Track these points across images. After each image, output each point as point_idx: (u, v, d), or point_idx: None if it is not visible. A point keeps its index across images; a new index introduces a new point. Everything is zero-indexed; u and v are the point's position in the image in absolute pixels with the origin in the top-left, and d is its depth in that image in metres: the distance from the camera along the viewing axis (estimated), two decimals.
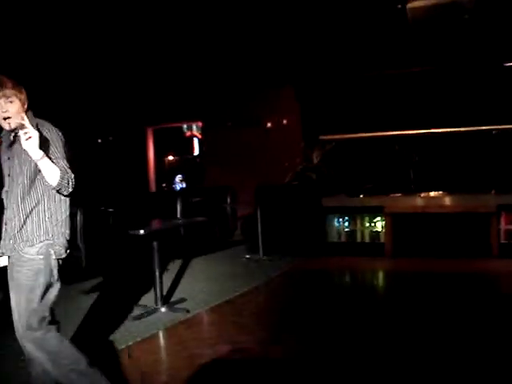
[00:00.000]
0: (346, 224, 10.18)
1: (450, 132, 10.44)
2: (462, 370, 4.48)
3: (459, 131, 10.37)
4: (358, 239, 10.10)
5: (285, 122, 11.30)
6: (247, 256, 9.77)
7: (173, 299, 7.08)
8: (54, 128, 3.51)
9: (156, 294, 6.60)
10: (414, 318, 6.00)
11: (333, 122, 10.96)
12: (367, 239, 10.06)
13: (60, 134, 3.53)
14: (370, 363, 4.71)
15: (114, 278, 8.73)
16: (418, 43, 10.34)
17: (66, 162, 3.41)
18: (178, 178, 13.55)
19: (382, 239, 9.88)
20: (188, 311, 6.46)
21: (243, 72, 11.56)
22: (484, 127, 10.36)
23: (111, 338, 5.60)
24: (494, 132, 10.38)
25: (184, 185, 13.50)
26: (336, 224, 10.22)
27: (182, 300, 6.99)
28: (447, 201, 9.69)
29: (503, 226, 9.45)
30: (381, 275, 9.13)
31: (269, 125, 11.44)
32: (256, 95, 11.73)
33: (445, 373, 4.43)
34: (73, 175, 3.38)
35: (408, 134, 10.61)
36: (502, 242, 9.43)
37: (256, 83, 11.57)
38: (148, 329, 5.85)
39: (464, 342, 5.15)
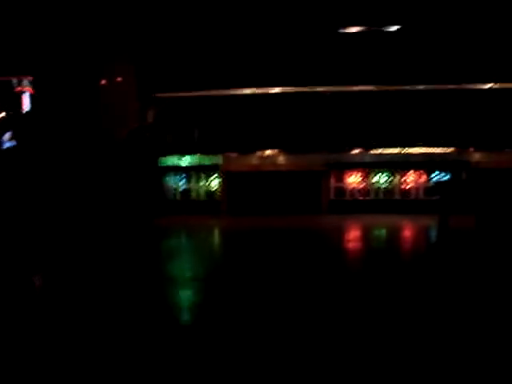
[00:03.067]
0: (182, 183, 10.12)
1: (286, 92, 10.60)
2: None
3: (293, 91, 10.55)
4: (194, 197, 10.10)
5: (120, 79, 10.91)
6: None
7: None
8: None
9: None
10: (250, 273, 6.08)
11: (169, 80, 10.74)
12: (203, 197, 10.08)
13: None
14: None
15: None
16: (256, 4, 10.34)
17: None
18: (7, 135, 12.74)
19: (218, 197, 9.94)
20: None
21: (77, 29, 10.99)
22: (319, 88, 10.60)
23: None
24: (328, 94, 10.67)
25: (14, 143, 12.72)
26: (172, 183, 10.14)
27: None
28: (281, 160, 9.92)
29: (333, 183, 9.86)
30: (216, 232, 9.18)
31: (103, 82, 11.00)
32: (90, 53, 11.20)
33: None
34: None
35: (244, 94, 10.65)
36: (332, 198, 9.86)
37: (90, 40, 11.05)
38: None
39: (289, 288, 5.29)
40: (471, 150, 9.97)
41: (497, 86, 10.33)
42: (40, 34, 11.07)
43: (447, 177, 9.79)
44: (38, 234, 7.18)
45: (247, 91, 10.65)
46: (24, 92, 12.52)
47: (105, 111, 10.55)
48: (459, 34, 10.29)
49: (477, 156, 9.70)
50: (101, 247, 7.48)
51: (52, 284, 5.70)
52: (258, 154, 10.17)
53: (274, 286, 5.25)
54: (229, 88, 10.66)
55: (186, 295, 5.19)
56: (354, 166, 9.91)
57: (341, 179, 9.95)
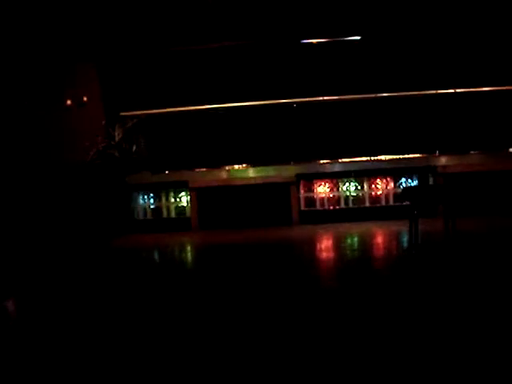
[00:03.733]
0: (152, 201, 10.09)
1: (252, 105, 10.62)
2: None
3: (259, 104, 10.57)
4: (164, 215, 10.06)
5: (85, 98, 10.82)
6: None
7: None
8: None
9: None
10: (220, 288, 6.07)
11: (135, 98, 10.70)
12: (173, 214, 10.06)
13: None
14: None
15: None
16: (218, 18, 10.37)
17: None
18: None
19: (188, 214, 9.92)
20: None
21: (39, 46, 10.88)
22: (284, 100, 10.64)
23: None
24: (294, 105, 10.71)
25: None
26: (141, 201, 10.09)
27: None
28: (250, 173, 9.94)
29: (302, 194, 9.89)
30: (188, 249, 9.14)
31: (68, 102, 10.89)
32: (53, 71, 11.09)
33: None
34: None
35: (210, 109, 10.66)
36: (302, 209, 9.88)
37: (53, 58, 10.95)
38: None
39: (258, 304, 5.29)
40: (437, 154, 10.08)
41: (459, 90, 10.46)
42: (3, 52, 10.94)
43: (415, 182, 9.87)
44: None
45: (213, 106, 10.66)
46: None
47: (71, 131, 10.44)
48: (421, 41, 10.44)
49: (443, 160, 9.79)
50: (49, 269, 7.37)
51: None
52: (227, 168, 10.18)
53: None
54: (195, 104, 10.67)
55: None
56: (323, 175, 9.95)
57: (310, 189, 9.98)
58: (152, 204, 10.08)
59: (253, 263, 7.18)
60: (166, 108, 10.73)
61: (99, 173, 9.75)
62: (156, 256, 8.70)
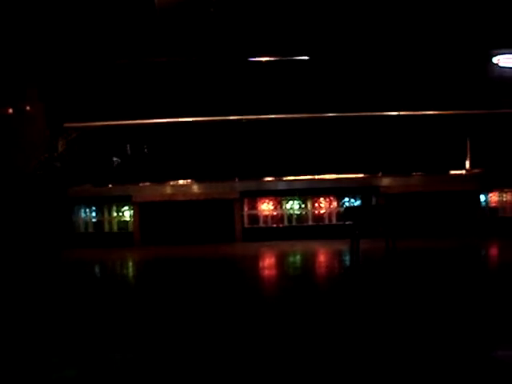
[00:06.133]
0: (94, 214, 9.92)
1: (197, 121, 10.60)
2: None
3: (205, 121, 10.56)
4: (106, 229, 9.91)
5: (28, 108, 10.63)
6: None
7: None
8: None
9: None
10: (161, 304, 6.01)
11: (79, 110, 10.54)
12: (115, 229, 9.91)
13: None
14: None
15: None
16: (165, 33, 10.34)
17: None
18: None
19: (131, 228, 9.79)
20: None
21: None
22: (230, 117, 10.66)
23: None
24: (243, 121, 10.73)
25: None
26: (83, 215, 9.92)
27: None
28: (194, 189, 9.90)
29: (246, 211, 9.90)
30: (129, 264, 9.02)
31: (10, 111, 10.67)
32: None
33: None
34: None
35: (155, 123, 10.59)
36: (246, 226, 9.88)
37: None
38: None
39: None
40: (380, 175, 10.23)
41: (403, 113, 10.68)
42: None
43: (358, 202, 9.98)
44: None
45: (158, 120, 10.60)
46: None
47: (11, 141, 10.21)
48: (367, 64, 10.63)
49: (386, 181, 9.94)
50: None
51: None
52: (171, 183, 10.11)
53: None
54: (140, 118, 10.59)
55: None
56: (267, 193, 9.98)
57: (254, 207, 9.99)
58: (94, 218, 9.91)
59: (192, 280, 7.14)
60: (110, 121, 10.61)
61: (40, 184, 9.54)
62: (95, 272, 8.55)
